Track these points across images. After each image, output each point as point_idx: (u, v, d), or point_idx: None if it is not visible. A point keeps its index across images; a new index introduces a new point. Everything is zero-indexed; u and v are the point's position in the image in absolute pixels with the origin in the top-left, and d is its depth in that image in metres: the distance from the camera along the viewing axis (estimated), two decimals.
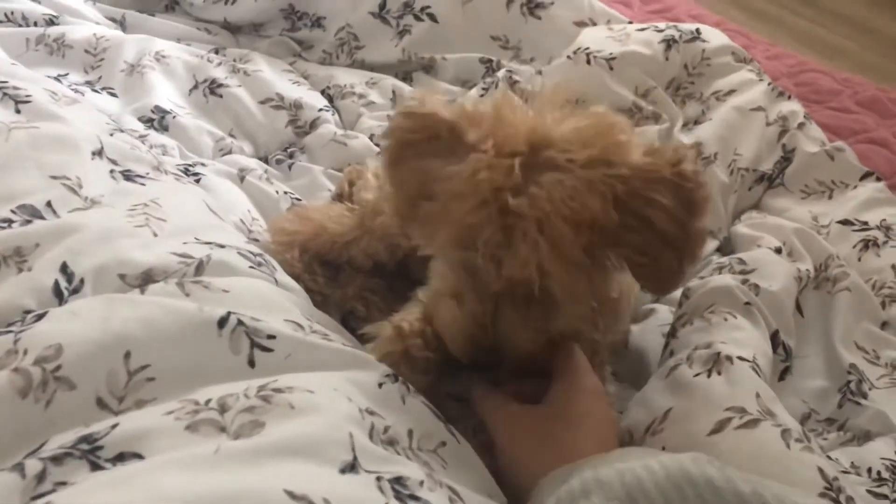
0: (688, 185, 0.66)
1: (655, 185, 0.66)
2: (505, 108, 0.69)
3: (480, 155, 0.65)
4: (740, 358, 0.82)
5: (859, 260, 1.15)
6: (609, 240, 0.66)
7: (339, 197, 1.18)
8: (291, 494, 0.46)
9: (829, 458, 0.80)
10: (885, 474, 0.84)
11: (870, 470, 0.85)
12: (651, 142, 0.73)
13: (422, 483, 0.54)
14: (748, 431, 0.72)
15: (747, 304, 0.93)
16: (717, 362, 0.81)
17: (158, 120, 1.24)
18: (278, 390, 0.56)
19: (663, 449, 0.74)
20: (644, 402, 0.83)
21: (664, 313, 1.07)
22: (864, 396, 0.95)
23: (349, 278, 1.05)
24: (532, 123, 0.67)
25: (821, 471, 0.69)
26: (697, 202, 0.67)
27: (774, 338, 0.94)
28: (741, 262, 1.04)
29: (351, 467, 0.52)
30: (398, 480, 0.52)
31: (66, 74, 1.29)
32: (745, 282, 0.95)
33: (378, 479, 0.52)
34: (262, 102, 1.34)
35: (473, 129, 0.67)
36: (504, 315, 0.69)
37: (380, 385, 0.65)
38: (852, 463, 0.87)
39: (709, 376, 0.79)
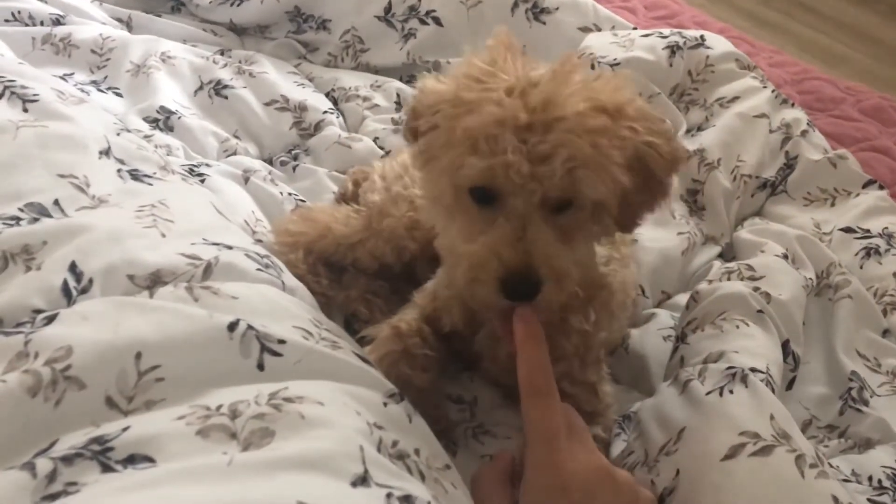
0: (674, 138, 0.74)
1: (654, 126, 0.72)
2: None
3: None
4: (753, 370, 0.81)
5: (861, 268, 1.16)
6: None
7: (342, 198, 1.19)
8: None
9: (830, 465, 0.81)
10: (886, 483, 0.85)
11: (871, 478, 0.86)
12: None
13: None
14: (762, 459, 0.71)
15: (760, 311, 0.93)
16: (731, 380, 0.80)
17: (164, 120, 1.24)
18: (289, 399, 0.57)
19: (677, 472, 0.74)
20: (658, 415, 0.83)
21: (664, 317, 1.08)
22: (866, 404, 0.96)
23: (352, 280, 1.05)
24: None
25: (835, 499, 0.69)
26: (680, 155, 0.75)
27: (785, 347, 0.94)
28: (750, 268, 1.04)
29: (362, 480, 0.52)
30: (407, 499, 0.52)
31: (72, 74, 1.30)
32: (756, 289, 0.95)
33: (388, 495, 0.52)
34: (267, 104, 1.35)
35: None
36: (536, 229, 0.68)
37: (384, 405, 0.65)
38: (853, 471, 0.87)
39: (721, 395, 0.78)
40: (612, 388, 0.91)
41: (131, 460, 0.50)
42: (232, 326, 0.62)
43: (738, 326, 0.91)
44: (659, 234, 1.16)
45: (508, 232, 0.68)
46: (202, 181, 1.11)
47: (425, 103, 0.74)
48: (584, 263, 0.75)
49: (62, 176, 0.77)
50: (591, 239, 0.77)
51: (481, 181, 0.68)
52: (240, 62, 1.41)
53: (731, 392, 0.79)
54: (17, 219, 0.71)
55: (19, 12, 1.34)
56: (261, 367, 0.61)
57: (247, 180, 1.18)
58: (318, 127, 1.35)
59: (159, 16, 1.53)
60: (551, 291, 0.69)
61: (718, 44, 1.42)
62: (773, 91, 1.38)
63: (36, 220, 0.71)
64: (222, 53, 1.44)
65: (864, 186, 1.30)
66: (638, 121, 0.70)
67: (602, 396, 0.87)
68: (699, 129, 1.34)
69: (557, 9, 1.51)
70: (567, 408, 0.73)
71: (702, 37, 1.41)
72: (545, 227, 0.68)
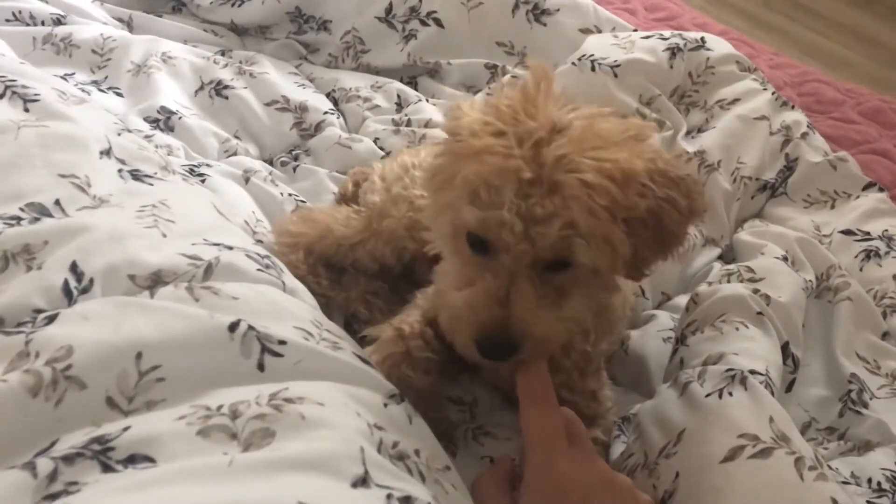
0: (695, 191, 0.71)
1: (673, 185, 0.69)
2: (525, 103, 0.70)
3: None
4: (753, 372, 0.81)
5: (861, 270, 1.16)
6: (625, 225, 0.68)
7: (342, 199, 1.19)
8: None
9: (829, 467, 0.81)
10: (886, 485, 0.85)
11: (870, 480, 0.86)
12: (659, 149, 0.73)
13: None
14: (761, 461, 0.71)
15: (759, 313, 0.93)
16: (730, 382, 0.80)
17: (164, 120, 1.24)
18: (289, 400, 0.57)
19: (677, 474, 0.74)
20: (658, 417, 0.83)
21: (664, 319, 1.08)
22: (865, 406, 0.96)
23: (352, 281, 1.05)
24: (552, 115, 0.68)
25: (834, 502, 0.69)
26: (698, 209, 0.73)
27: (784, 349, 0.94)
28: (749, 270, 1.04)
29: (363, 481, 0.52)
30: (407, 500, 0.53)
31: (73, 74, 1.30)
32: (756, 291, 0.95)
33: (388, 496, 0.52)
34: (268, 104, 1.35)
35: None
36: (519, 290, 0.67)
37: (385, 406, 0.65)
38: (852, 473, 0.87)
39: (720, 397, 0.78)
40: (612, 392, 0.91)
41: (132, 460, 0.50)
42: (233, 327, 0.62)
43: (737, 328, 0.91)
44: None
45: (491, 289, 0.67)
46: (202, 181, 1.11)
47: (450, 127, 0.73)
48: (579, 315, 0.74)
49: (63, 176, 0.77)
50: (591, 294, 0.74)
51: (476, 230, 0.68)
52: (240, 62, 1.41)
53: (731, 394, 0.79)
54: (18, 218, 0.71)
55: (20, 12, 1.34)
56: (261, 367, 0.61)
57: (247, 181, 1.19)
58: (318, 127, 1.35)
59: (160, 16, 1.53)
60: (530, 352, 0.69)
61: (719, 46, 1.42)
62: (773, 93, 1.38)
63: (37, 219, 0.71)
64: (223, 54, 1.44)
65: (864, 189, 1.30)
66: (655, 182, 0.68)
67: (602, 401, 0.87)
68: (699, 130, 1.33)
69: (558, 10, 1.52)
70: (567, 413, 0.73)
71: (702, 39, 1.41)
72: (531, 288, 0.67)
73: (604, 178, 0.64)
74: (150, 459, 0.51)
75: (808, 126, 1.37)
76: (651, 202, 0.67)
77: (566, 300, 0.70)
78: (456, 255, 0.73)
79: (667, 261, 0.75)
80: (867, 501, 0.82)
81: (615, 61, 1.33)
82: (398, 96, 1.45)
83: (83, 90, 1.24)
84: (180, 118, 1.25)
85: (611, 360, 1.00)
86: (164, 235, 0.73)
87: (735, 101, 1.35)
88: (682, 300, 1.07)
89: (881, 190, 1.29)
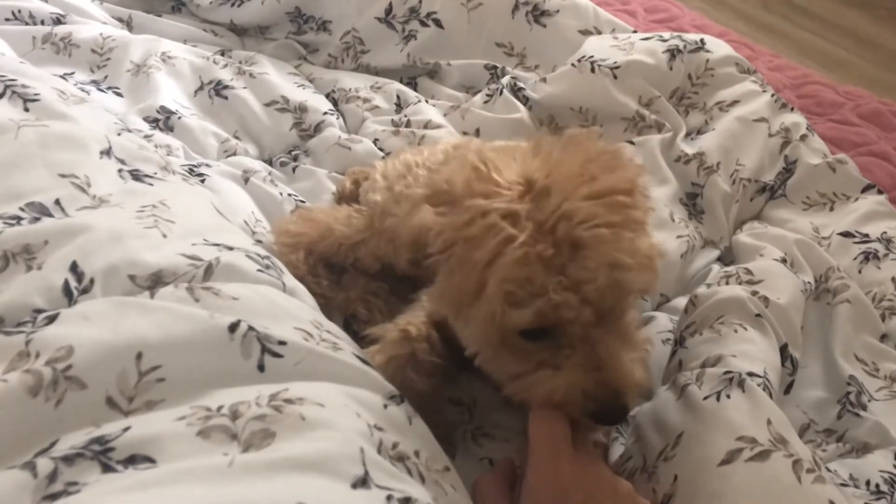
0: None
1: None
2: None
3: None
4: (751, 374, 0.81)
5: (860, 272, 1.16)
6: None
7: (340, 198, 1.19)
8: None
9: (828, 469, 0.81)
10: (884, 487, 0.85)
11: (868, 482, 0.86)
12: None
13: None
14: (759, 464, 0.71)
15: (758, 315, 0.93)
16: (728, 385, 0.80)
17: (164, 120, 1.24)
18: (289, 401, 0.57)
19: (675, 477, 0.74)
20: (656, 420, 0.83)
21: (663, 321, 1.08)
22: (864, 408, 0.96)
23: (352, 281, 1.05)
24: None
25: None
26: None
27: (783, 351, 0.94)
28: (748, 272, 1.04)
29: (363, 482, 0.52)
30: (407, 501, 0.53)
31: (73, 73, 1.30)
32: (754, 293, 0.95)
33: (388, 497, 0.52)
34: (268, 105, 1.35)
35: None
36: (608, 350, 0.66)
37: (384, 406, 0.65)
38: (850, 475, 0.87)
39: (718, 399, 0.78)
40: None
41: (132, 460, 0.50)
42: (233, 327, 0.62)
43: (736, 330, 0.91)
44: (658, 238, 1.16)
45: (583, 363, 0.66)
46: (202, 181, 1.12)
47: (431, 242, 0.70)
48: (643, 334, 0.74)
49: (63, 175, 0.77)
50: (635, 306, 0.74)
51: (533, 325, 0.66)
52: (240, 63, 1.41)
53: (729, 397, 0.78)
54: (18, 218, 0.71)
55: (19, 11, 1.34)
56: (261, 368, 0.61)
57: (247, 181, 1.19)
58: (318, 128, 1.35)
59: (160, 16, 1.53)
60: (636, 399, 0.69)
61: (718, 48, 1.43)
62: (772, 95, 1.39)
63: (37, 219, 0.71)
64: (223, 54, 1.44)
65: (863, 191, 1.30)
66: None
67: None
68: (699, 132, 1.34)
69: (558, 11, 1.52)
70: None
71: (702, 40, 1.42)
72: (614, 342, 0.67)
73: (610, 207, 0.64)
74: (151, 460, 0.51)
75: (807, 128, 1.37)
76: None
77: (629, 330, 0.70)
78: (511, 351, 0.70)
79: None
80: None
81: (615, 63, 1.34)
82: (398, 97, 1.45)
83: (83, 90, 1.24)
84: (180, 118, 1.25)
85: None
86: (165, 236, 0.73)
87: (734, 102, 1.35)
88: (681, 302, 1.07)
89: (880, 192, 1.29)
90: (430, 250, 0.69)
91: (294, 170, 1.28)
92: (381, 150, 1.31)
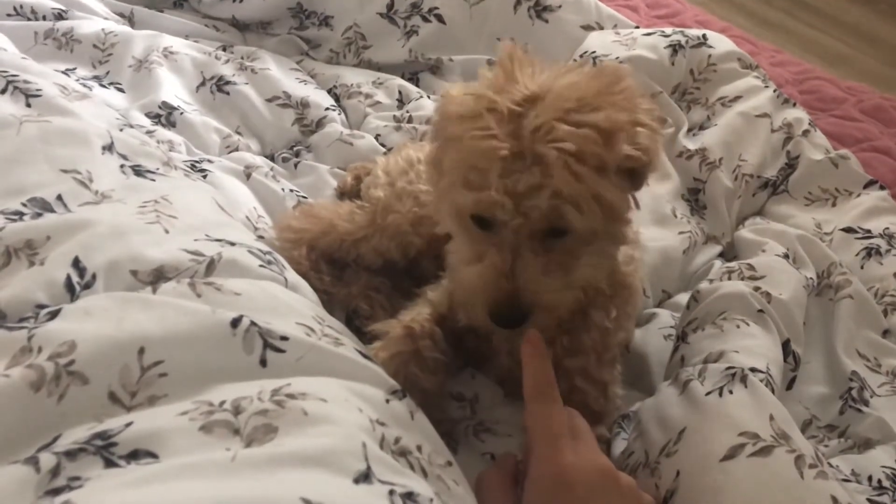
0: (658, 136, 0.75)
1: (644, 131, 0.72)
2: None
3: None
4: (753, 370, 0.81)
5: (862, 268, 1.16)
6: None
7: (341, 193, 1.19)
8: (308, 502, 0.46)
9: (830, 465, 0.81)
10: (886, 483, 0.85)
11: (870, 478, 0.86)
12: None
13: (431, 501, 0.54)
14: (761, 459, 0.71)
15: (760, 311, 0.93)
16: (731, 380, 0.80)
17: (166, 116, 1.24)
18: (291, 396, 0.57)
19: (678, 473, 0.74)
20: (658, 415, 0.83)
21: (665, 317, 1.08)
22: (866, 404, 0.96)
23: (354, 277, 1.05)
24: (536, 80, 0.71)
25: (834, 500, 0.68)
26: (658, 150, 0.75)
27: (785, 346, 0.94)
28: (751, 267, 1.04)
29: (365, 477, 0.52)
30: (409, 496, 0.53)
31: (74, 69, 1.30)
32: (756, 289, 0.95)
33: (391, 492, 0.52)
34: (269, 100, 1.35)
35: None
36: (524, 262, 0.70)
37: (387, 401, 0.65)
38: (853, 470, 0.87)
39: (721, 395, 0.78)
40: (622, 391, 0.90)
41: (134, 455, 0.50)
42: (235, 322, 0.62)
43: (738, 326, 0.91)
44: (660, 234, 1.16)
45: (497, 264, 0.70)
46: (204, 177, 1.11)
47: (441, 113, 0.76)
48: (591, 276, 0.76)
49: (65, 171, 0.77)
50: (601, 251, 0.76)
51: (474, 212, 0.71)
52: (242, 58, 1.41)
53: (731, 392, 0.78)
54: (21, 214, 0.71)
55: (21, 6, 1.34)
56: (263, 363, 0.61)
57: (248, 176, 1.18)
58: (319, 124, 1.35)
59: (161, 11, 1.52)
60: (540, 318, 0.72)
61: (720, 43, 1.42)
62: (774, 91, 1.38)
63: (39, 215, 0.71)
64: (224, 49, 1.43)
65: (866, 187, 1.30)
66: (640, 130, 0.71)
67: (611, 398, 0.86)
68: (701, 128, 1.34)
69: (560, 7, 1.51)
70: (571, 411, 0.73)
71: (704, 36, 1.42)
72: (533, 258, 0.70)
73: (585, 142, 0.66)
74: (153, 455, 0.51)
75: (809, 123, 1.37)
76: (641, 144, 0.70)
77: (574, 263, 0.72)
78: (463, 233, 0.75)
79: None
80: (868, 499, 0.82)
81: (617, 58, 1.33)
82: (399, 92, 1.45)
83: (85, 85, 1.23)
84: (182, 114, 1.25)
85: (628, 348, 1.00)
86: (167, 231, 0.73)
87: (736, 98, 1.35)
88: (683, 298, 1.08)
89: (882, 188, 1.29)
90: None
91: (296, 165, 1.28)
92: (382, 145, 1.31)
